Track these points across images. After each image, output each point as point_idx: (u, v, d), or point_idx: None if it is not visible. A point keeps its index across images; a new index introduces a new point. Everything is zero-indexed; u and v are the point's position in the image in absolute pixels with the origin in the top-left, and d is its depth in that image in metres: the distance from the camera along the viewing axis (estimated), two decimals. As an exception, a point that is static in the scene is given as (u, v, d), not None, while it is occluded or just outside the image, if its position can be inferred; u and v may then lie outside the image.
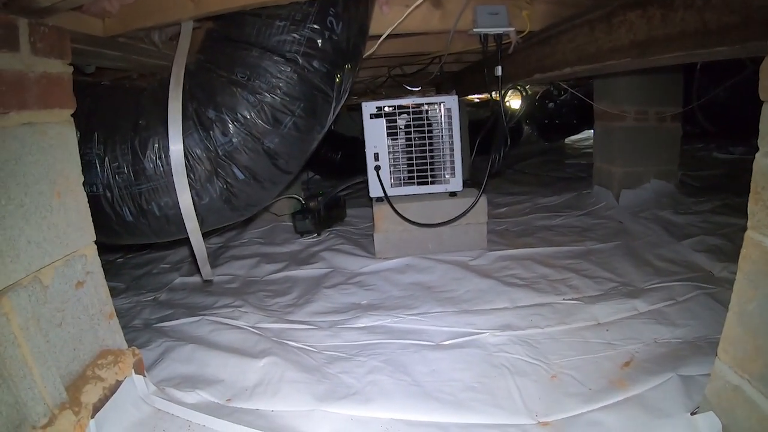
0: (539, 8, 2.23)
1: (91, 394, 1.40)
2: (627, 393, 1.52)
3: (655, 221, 3.22)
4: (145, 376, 1.59)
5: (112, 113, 1.86)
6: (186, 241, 1.92)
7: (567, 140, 8.12)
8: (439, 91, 5.21)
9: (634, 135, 3.77)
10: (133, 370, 1.55)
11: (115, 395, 1.46)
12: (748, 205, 1.15)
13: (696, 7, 1.34)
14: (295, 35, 1.81)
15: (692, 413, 1.36)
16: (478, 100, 7.06)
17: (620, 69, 2.11)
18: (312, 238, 3.43)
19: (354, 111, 3.57)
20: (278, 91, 1.84)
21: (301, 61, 1.84)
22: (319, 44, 1.85)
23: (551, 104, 6.78)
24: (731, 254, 1.16)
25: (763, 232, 1.11)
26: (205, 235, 1.95)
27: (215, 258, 3.18)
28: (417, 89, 4.44)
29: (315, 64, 1.87)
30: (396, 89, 4.69)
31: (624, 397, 1.51)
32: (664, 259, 2.61)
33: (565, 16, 2.11)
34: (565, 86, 5.45)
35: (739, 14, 1.20)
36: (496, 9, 2.15)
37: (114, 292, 1.64)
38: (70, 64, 1.52)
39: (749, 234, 1.16)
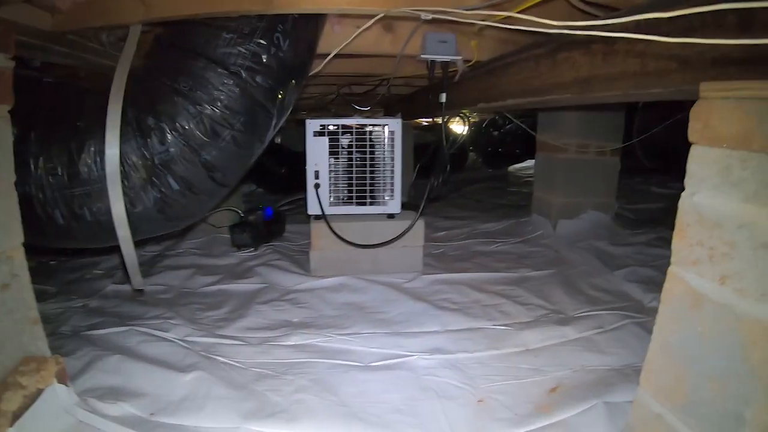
0: (487, 40, 2.27)
1: (11, 401, 1.37)
2: (552, 418, 1.54)
3: (590, 251, 3.28)
4: (68, 385, 1.55)
5: (51, 112, 1.83)
6: (120, 248, 1.89)
7: (510, 168, 8.25)
8: (388, 112, 5.26)
9: (575, 167, 3.84)
10: (55, 379, 1.51)
11: (35, 404, 1.43)
12: (673, 241, 1.19)
13: (636, 50, 1.38)
14: (241, 49, 1.82)
15: (615, 440, 1.39)
16: (426, 123, 7.15)
17: (562, 104, 2.16)
18: (249, 252, 3.40)
19: (302, 126, 3.58)
20: (219, 104, 1.84)
21: (244, 75, 1.84)
22: (264, 60, 1.86)
23: (496, 133, 6.91)
24: (662, 285, 1.21)
25: (686, 268, 1.15)
26: (141, 243, 1.93)
27: (150, 266, 3.13)
28: (366, 109, 4.46)
29: (258, 79, 1.87)
30: (345, 107, 4.71)
31: (549, 422, 1.53)
32: (596, 288, 2.66)
33: (512, 49, 2.15)
34: (510, 117, 5.55)
35: (677, 59, 1.24)
36: (446, 37, 2.18)
37: (44, 296, 1.60)
38: (13, 58, 1.49)
39: (672, 269, 1.20)
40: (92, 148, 1.77)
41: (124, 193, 1.79)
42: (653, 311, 2.15)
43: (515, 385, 1.75)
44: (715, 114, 1.08)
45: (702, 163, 1.12)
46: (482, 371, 1.85)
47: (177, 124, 1.81)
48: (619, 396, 1.60)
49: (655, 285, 2.56)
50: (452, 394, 1.70)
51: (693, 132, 1.13)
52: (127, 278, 2.68)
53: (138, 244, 1.90)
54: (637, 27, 1.09)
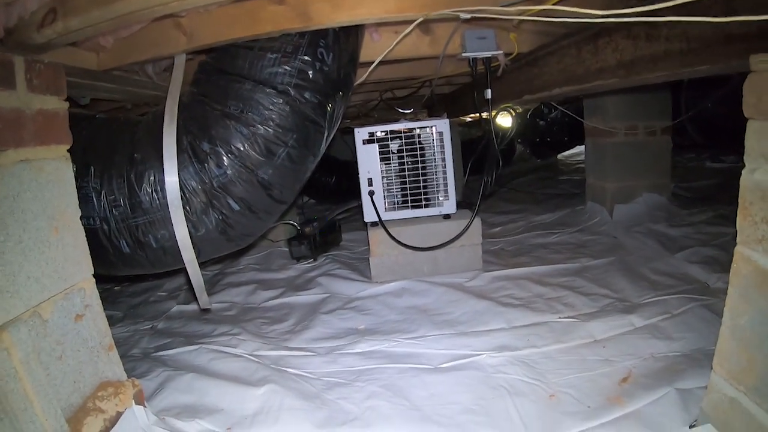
0: (526, 31, 2.25)
1: (92, 426, 1.41)
2: (625, 409, 1.53)
3: (649, 235, 3.23)
4: (145, 406, 1.59)
5: (107, 147, 1.87)
6: (182, 269, 1.93)
7: (559, 156, 8.14)
8: (431, 112, 5.23)
9: (625, 150, 3.79)
10: (133, 401, 1.56)
11: (116, 426, 1.47)
12: (737, 220, 1.17)
13: (680, 27, 1.36)
14: (287, 67, 1.84)
15: (690, 426, 1.37)
16: (470, 119, 7.09)
17: (608, 88, 2.13)
18: (308, 263, 3.43)
19: (348, 134, 3.60)
20: (271, 123, 1.86)
21: (293, 92, 1.86)
22: (311, 75, 1.88)
23: (542, 122, 6.82)
24: (726, 264, 1.19)
25: (751, 247, 1.13)
26: (202, 264, 1.96)
27: (212, 285, 3.18)
28: (409, 111, 4.46)
29: (306, 95, 1.89)
30: (388, 112, 4.70)
31: (622, 413, 1.52)
32: (659, 273, 2.62)
33: (553, 38, 2.13)
34: (555, 104, 5.48)
35: (722, 33, 1.22)
36: (484, 33, 2.16)
37: (111, 321, 1.64)
38: (66, 99, 1.54)
39: (738, 249, 1.18)
40: (151, 178, 1.81)
41: (187, 218, 1.83)
42: (719, 292, 2.14)
43: (585, 377, 1.74)
44: (769, 86, 1.06)
45: (760, 138, 1.10)
46: (551, 366, 1.84)
47: (232, 146, 1.84)
48: (691, 382, 1.58)
49: (719, 264, 2.53)
50: (523, 391, 1.70)
51: (747, 106, 1.11)
52: (191, 298, 2.74)
53: (200, 264, 1.94)
54: (680, 7, 1.08)
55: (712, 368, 1.30)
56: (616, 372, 1.75)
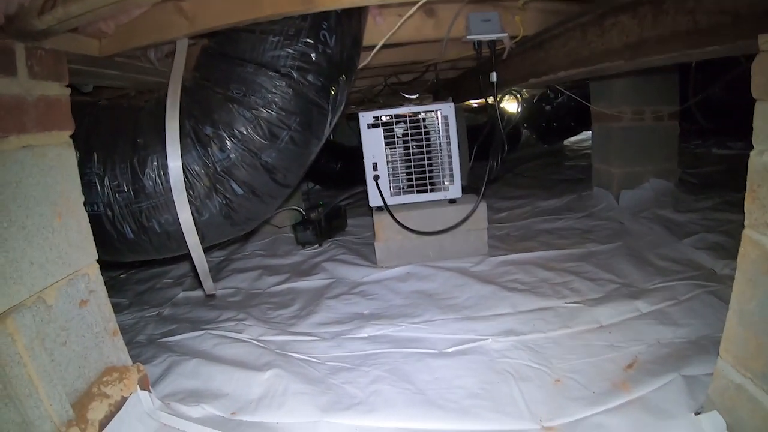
0: (532, 13, 2.23)
1: (97, 410, 1.42)
2: (631, 395, 1.52)
3: (655, 221, 3.21)
4: (150, 391, 1.61)
5: (110, 133, 1.87)
6: (188, 256, 1.93)
7: (566, 142, 8.11)
8: (436, 97, 5.21)
9: (632, 135, 3.76)
10: (138, 386, 1.57)
11: (120, 411, 1.48)
12: (745, 203, 1.16)
13: (687, 7, 1.35)
14: (289, 50, 1.82)
15: (696, 413, 1.36)
16: (476, 105, 7.06)
17: (614, 71, 2.12)
18: (313, 248, 3.43)
19: (353, 120, 3.60)
20: (274, 106, 1.85)
21: (295, 75, 1.85)
22: (313, 58, 1.86)
23: (548, 107, 6.78)
24: (733, 251, 1.18)
25: (760, 230, 1.12)
26: (207, 249, 1.96)
27: (218, 271, 3.19)
28: (414, 96, 4.44)
29: (309, 77, 1.88)
30: (393, 97, 4.69)
31: (628, 399, 1.51)
32: (665, 259, 2.60)
33: (558, 20, 2.11)
34: (561, 89, 5.44)
35: (730, 13, 1.21)
36: (489, 16, 2.15)
37: (117, 308, 1.65)
38: (68, 86, 1.53)
39: (747, 233, 1.16)
40: (155, 163, 1.80)
41: (190, 203, 1.83)
42: (726, 278, 2.13)
43: (591, 363, 1.73)
44: (778, 66, 1.05)
45: (768, 119, 1.08)
46: (556, 351, 1.84)
47: (235, 130, 1.83)
48: (697, 369, 1.57)
49: (726, 251, 2.51)
50: (528, 376, 1.69)
51: (756, 87, 1.09)
52: (197, 284, 2.74)
53: (205, 250, 1.93)
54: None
55: (718, 354, 1.29)
56: (621, 358, 1.74)
